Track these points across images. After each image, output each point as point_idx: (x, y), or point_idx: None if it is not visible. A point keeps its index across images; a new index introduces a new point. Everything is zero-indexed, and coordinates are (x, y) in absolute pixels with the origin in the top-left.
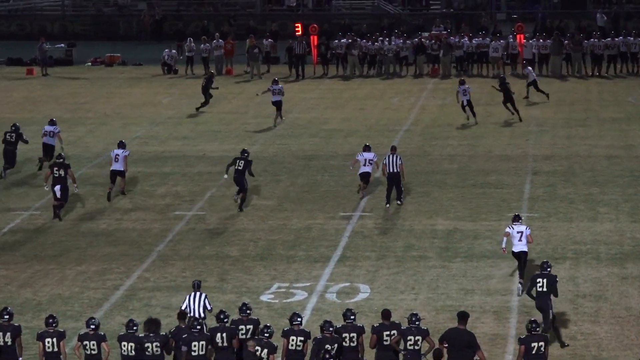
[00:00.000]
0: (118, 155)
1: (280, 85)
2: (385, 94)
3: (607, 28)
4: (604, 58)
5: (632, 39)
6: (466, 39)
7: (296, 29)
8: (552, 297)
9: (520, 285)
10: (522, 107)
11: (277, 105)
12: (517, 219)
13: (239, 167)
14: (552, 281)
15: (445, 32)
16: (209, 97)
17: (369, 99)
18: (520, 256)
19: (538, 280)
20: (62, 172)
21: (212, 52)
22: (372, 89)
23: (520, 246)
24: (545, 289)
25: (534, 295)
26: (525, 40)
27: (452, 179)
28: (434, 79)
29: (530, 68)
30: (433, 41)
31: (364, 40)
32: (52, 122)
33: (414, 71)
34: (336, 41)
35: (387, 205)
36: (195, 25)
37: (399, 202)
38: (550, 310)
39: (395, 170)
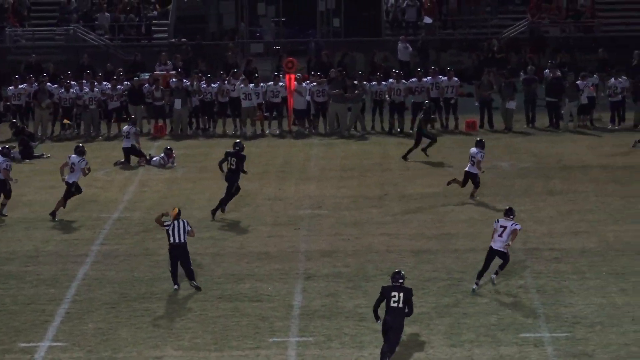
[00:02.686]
0: (74, 164)
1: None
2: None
3: (413, 64)
4: (406, 107)
5: (445, 79)
6: (204, 82)
7: None
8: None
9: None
10: (249, 181)
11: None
12: (508, 212)
13: (232, 166)
14: (409, 296)
15: (175, 71)
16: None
17: None
18: (494, 255)
19: (393, 294)
20: None
21: None
22: (66, 158)
23: (498, 243)
24: (400, 305)
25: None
26: (296, 83)
27: (187, 288)
28: (160, 140)
29: None
30: (154, 86)
31: (55, 86)
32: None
33: None
34: (11, 88)
35: (176, 287)
36: None
37: (192, 282)
38: (401, 331)
39: (181, 241)
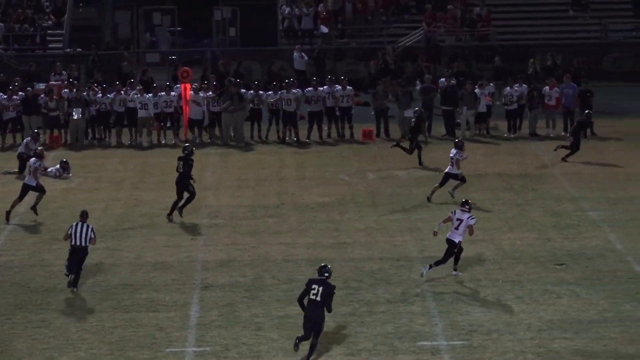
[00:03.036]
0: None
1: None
2: None
3: (309, 73)
4: (301, 117)
5: (339, 88)
6: (99, 92)
7: None
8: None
9: (426, 269)
10: (145, 190)
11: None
12: (464, 204)
13: (180, 170)
14: (330, 292)
15: (69, 82)
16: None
17: None
18: (450, 244)
19: (313, 286)
20: None
21: None
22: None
23: (454, 235)
24: (319, 299)
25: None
26: (192, 93)
27: (83, 299)
28: (55, 150)
29: None
30: (47, 97)
31: None
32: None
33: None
34: None
35: (71, 276)
36: None
37: (74, 289)
38: (322, 325)
39: (82, 245)
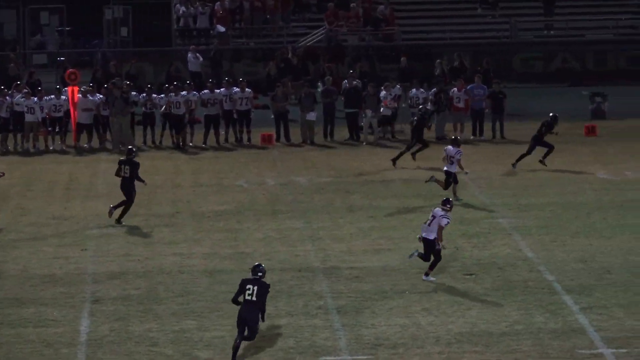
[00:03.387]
0: None
1: None
2: None
3: (205, 74)
4: (197, 121)
5: (238, 90)
6: None
7: None
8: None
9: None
10: (32, 199)
11: None
12: (444, 202)
13: (126, 174)
14: (264, 290)
15: None
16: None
17: None
18: (423, 243)
19: (248, 286)
20: None
21: None
22: None
23: (426, 232)
24: (254, 298)
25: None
26: (80, 97)
27: None
28: None
29: None
30: None
31: None
32: None
33: None
34: None
35: None
36: None
37: None
38: (256, 326)
39: None
